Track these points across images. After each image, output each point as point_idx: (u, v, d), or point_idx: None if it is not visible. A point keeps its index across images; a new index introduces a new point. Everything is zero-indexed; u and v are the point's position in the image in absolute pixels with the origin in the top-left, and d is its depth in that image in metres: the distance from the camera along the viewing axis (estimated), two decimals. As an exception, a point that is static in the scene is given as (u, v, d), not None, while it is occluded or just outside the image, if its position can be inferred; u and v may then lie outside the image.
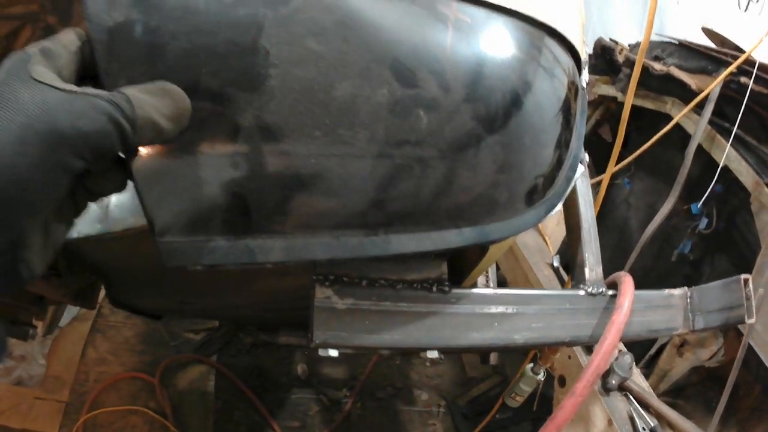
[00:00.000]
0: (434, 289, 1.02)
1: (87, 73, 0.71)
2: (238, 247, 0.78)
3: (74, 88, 0.63)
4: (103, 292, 1.65)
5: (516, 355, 2.98)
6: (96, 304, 1.76)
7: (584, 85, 1.18)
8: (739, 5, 3.41)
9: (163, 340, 3.10)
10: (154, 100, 0.68)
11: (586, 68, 1.24)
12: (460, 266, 1.12)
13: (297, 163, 0.78)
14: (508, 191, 0.94)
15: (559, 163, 1.02)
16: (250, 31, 0.75)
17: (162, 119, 0.68)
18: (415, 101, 0.81)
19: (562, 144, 1.01)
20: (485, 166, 0.89)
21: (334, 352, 0.96)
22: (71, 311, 2.92)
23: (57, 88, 0.61)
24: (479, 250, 1.08)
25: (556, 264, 1.88)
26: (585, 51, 1.21)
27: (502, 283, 2.05)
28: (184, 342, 3.14)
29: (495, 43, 0.89)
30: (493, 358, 2.93)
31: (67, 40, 0.70)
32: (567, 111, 1.01)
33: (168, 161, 0.74)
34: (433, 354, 1.05)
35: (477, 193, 0.91)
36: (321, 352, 0.96)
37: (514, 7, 0.92)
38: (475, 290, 1.08)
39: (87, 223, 1.07)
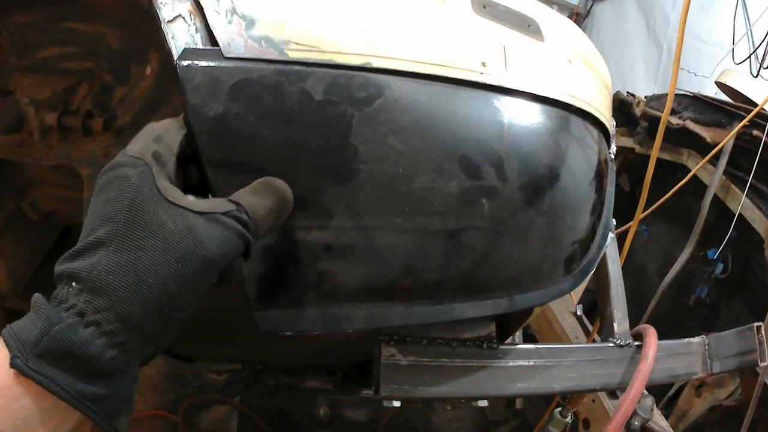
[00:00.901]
0: (485, 346, 1.13)
1: (184, 154, 0.76)
2: (325, 316, 0.88)
3: (205, 207, 0.68)
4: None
5: (538, 399, 2.95)
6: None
7: (612, 156, 1.29)
8: (751, 71, 3.52)
9: (186, 380, 3.07)
10: (263, 200, 0.74)
11: (614, 140, 1.35)
12: (506, 324, 1.23)
13: (380, 245, 0.88)
14: (550, 263, 1.06)
15: (592, 234, 1.14)
16: (340, 129, 0.83)
17: (269, 216, 0.74)
18: (480, 191, 0.92)
19: (596, 216, 1.13)
20: (534, 244, 1.01)
21: (397, 403, 1.07)
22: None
23: (194, 211, 0.67)
24: (525, 312, 1.19)
25: (579, 312, 1.94)
26: (612, 125, 1.33)
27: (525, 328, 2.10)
28: (207, 382, 3.11)
29: (542, 134, 1.01)
30: (519, 402, 2.97)
31: (170, 139, 0.74)
32: (600, 187, 1.13)
33: (268, 248, 0.84)
34: (483, 403, 1.16)
35: (525, 267, 1.03)
36: (385, 403, 1.07)
37: (554, 95, 1.03)
38: (519, 346, 1.19)
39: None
